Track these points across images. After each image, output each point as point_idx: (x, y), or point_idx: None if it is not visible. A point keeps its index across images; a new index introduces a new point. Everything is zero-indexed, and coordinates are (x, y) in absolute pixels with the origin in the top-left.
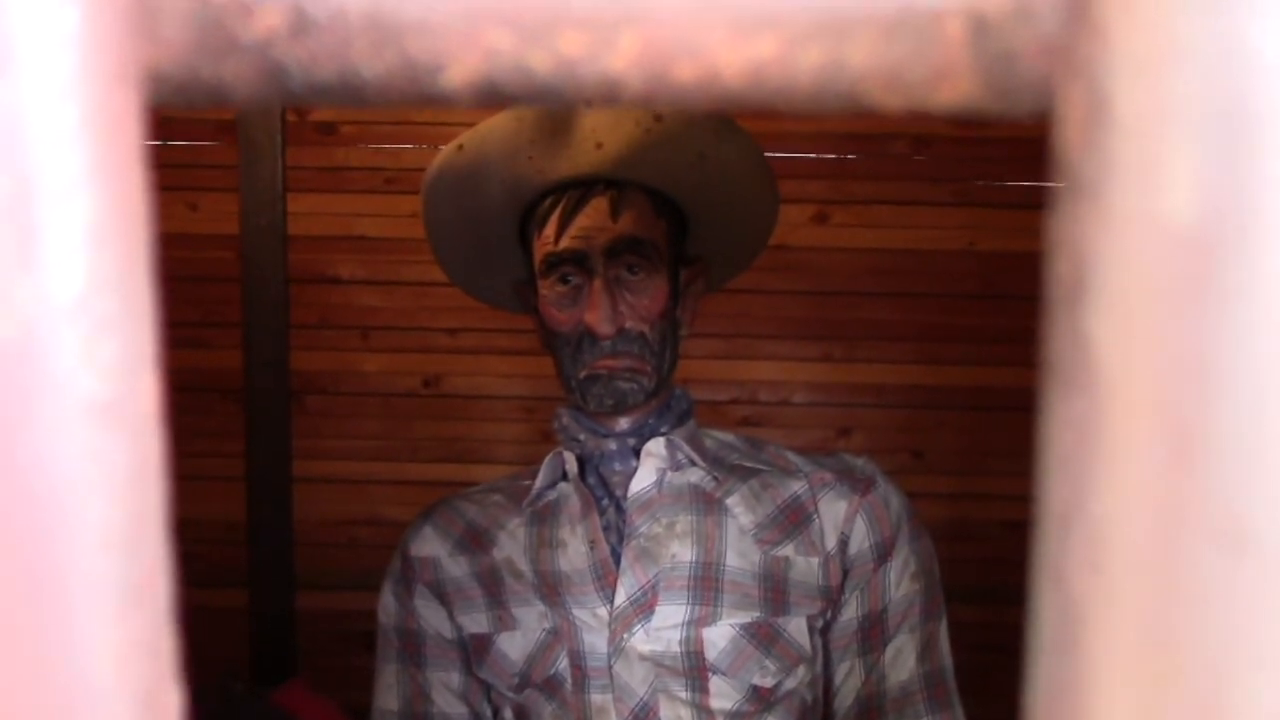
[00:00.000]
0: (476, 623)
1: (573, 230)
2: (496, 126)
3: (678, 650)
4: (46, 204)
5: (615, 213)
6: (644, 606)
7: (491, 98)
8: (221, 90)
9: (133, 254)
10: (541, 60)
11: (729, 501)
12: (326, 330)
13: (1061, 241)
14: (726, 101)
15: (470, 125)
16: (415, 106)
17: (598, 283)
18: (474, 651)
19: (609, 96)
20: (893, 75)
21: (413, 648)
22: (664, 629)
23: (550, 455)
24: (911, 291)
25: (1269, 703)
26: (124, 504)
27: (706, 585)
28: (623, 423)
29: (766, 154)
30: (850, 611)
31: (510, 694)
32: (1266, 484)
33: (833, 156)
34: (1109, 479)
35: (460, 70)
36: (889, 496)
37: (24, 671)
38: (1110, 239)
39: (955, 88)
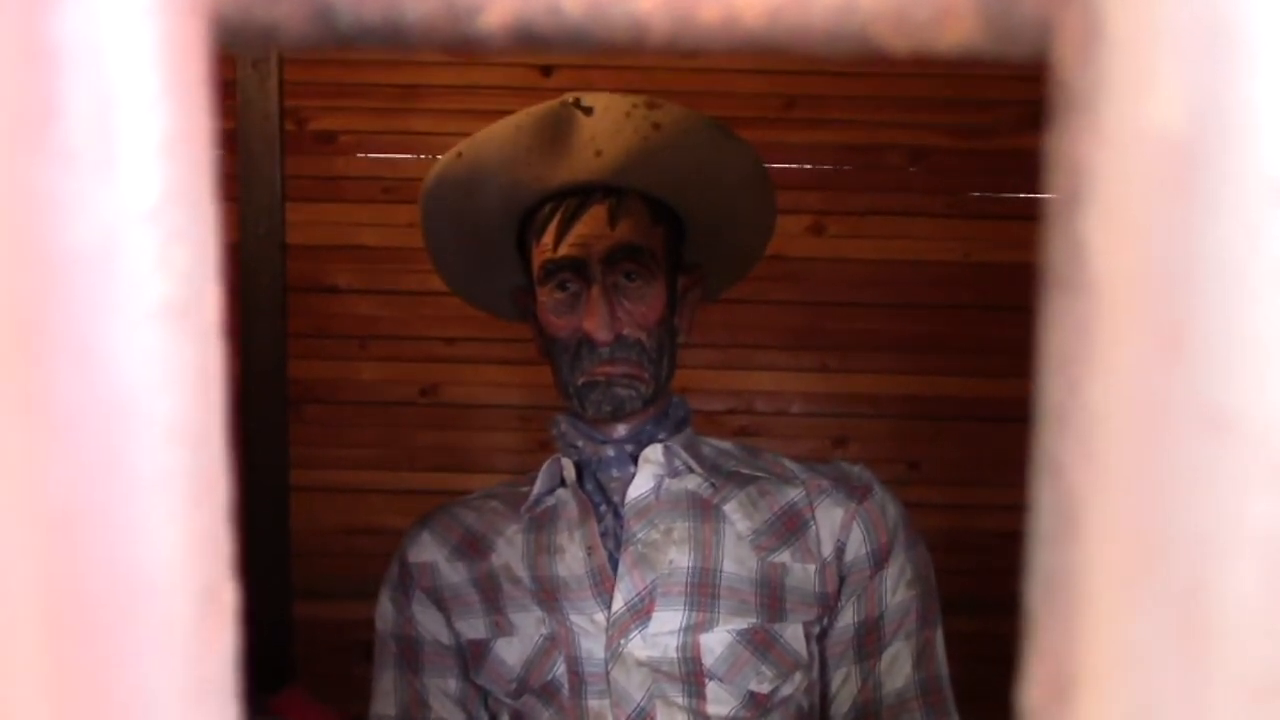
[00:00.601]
0: (474, 629)
1: (571, 237)
2: (495, 134)
3: (675, 656)
4: (125, 119)
5: (613, 220)
6: (641, 612)
7: (526, 39)
8: (274, 31)
9: (200, 169)
10: (574, 2)
11: (726, 508)
12: (324, 339)
13: (1059, 154)
14: (747, 42)
15: (469, 134)
16: (455, 49)
17: (596, 289)
18: (471, 657)
19: (637, 38)
20: (900, 16)
21: (410, 654)
22: (661, 635)
23: (548, 462)
24: (907, 302)
25: (1249, 579)
26: (190, 402)
27: (703, 591)
28: (620, 429)
29: (763, 164)
30: (846, 618)
31: (508, 700)
32: (1247, 372)
33: (829, 167)
34: (1102, 372)
35: (497, 12)
36: (885, 504)
37: (94, 557)
38: (1103, 149)
39: (959, 28)
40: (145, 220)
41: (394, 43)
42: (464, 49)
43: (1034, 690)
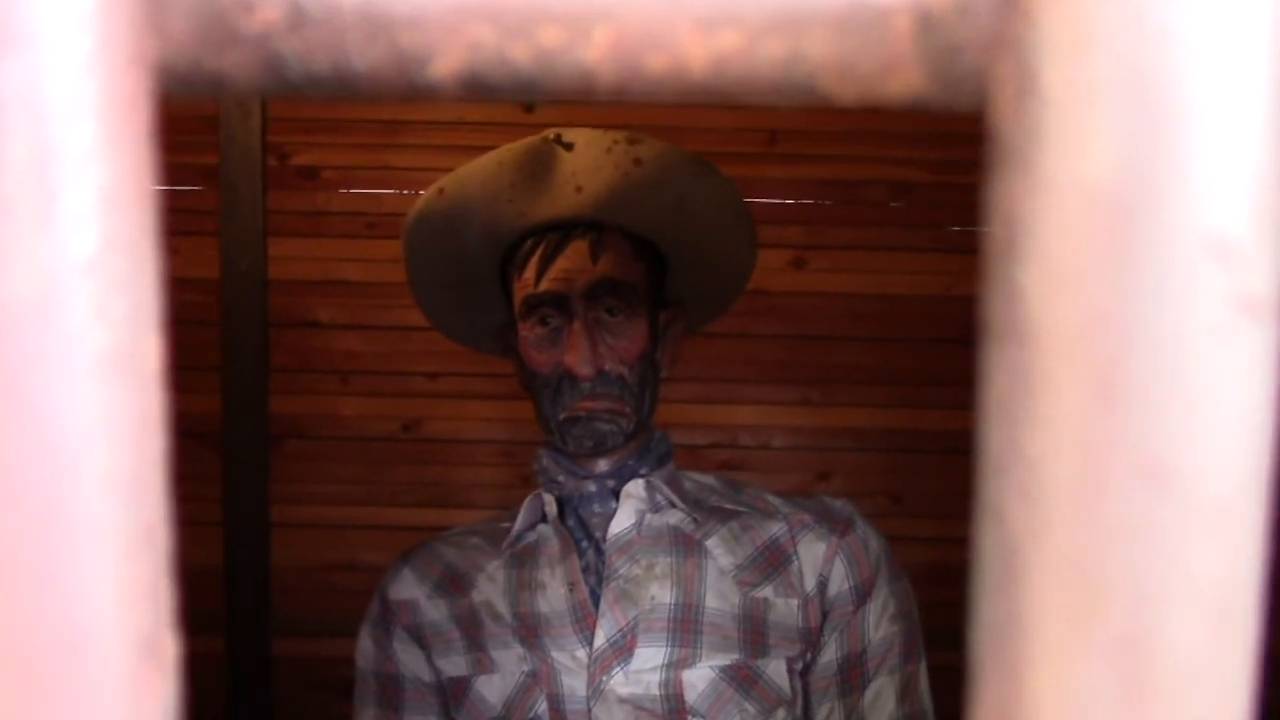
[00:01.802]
0: (455, 666)
1: (553, 273)
2: (477, 170)
3: (657, 693)
4: (64, 170)
5: (595, 255)
6: (623, 649)
7: (475, 88)
8: (222, 80)
9: (142, 220)
10: (521, 53)
11: (708, 543)
12: (306, 374)
13: (996, 206)
14: (694, 92)
15: (451, 170)
16: (403, 99)
17: (577, 325)
18: (452, 695)
19: (585, 87)
20: (846, 67)
21: (391, 692)
22: (643, 671)
23: (529, 497)
24: (889, 336)
25: (1189, 633)
26: (129, 453)
27: (686, 627)
28: (602, 464)
29: (744, 199)
30: (830, 653)
31: None
32: (1182, 422)
33: (810, 202)
34: (1040, 421)
35: (446, 62)
36: (868, 538)
37: (31, 609)
38: (1038, 202)
39: (903, 79)
40: (84, 271)
41: (342, 93)
42: (412, 99)
43: None
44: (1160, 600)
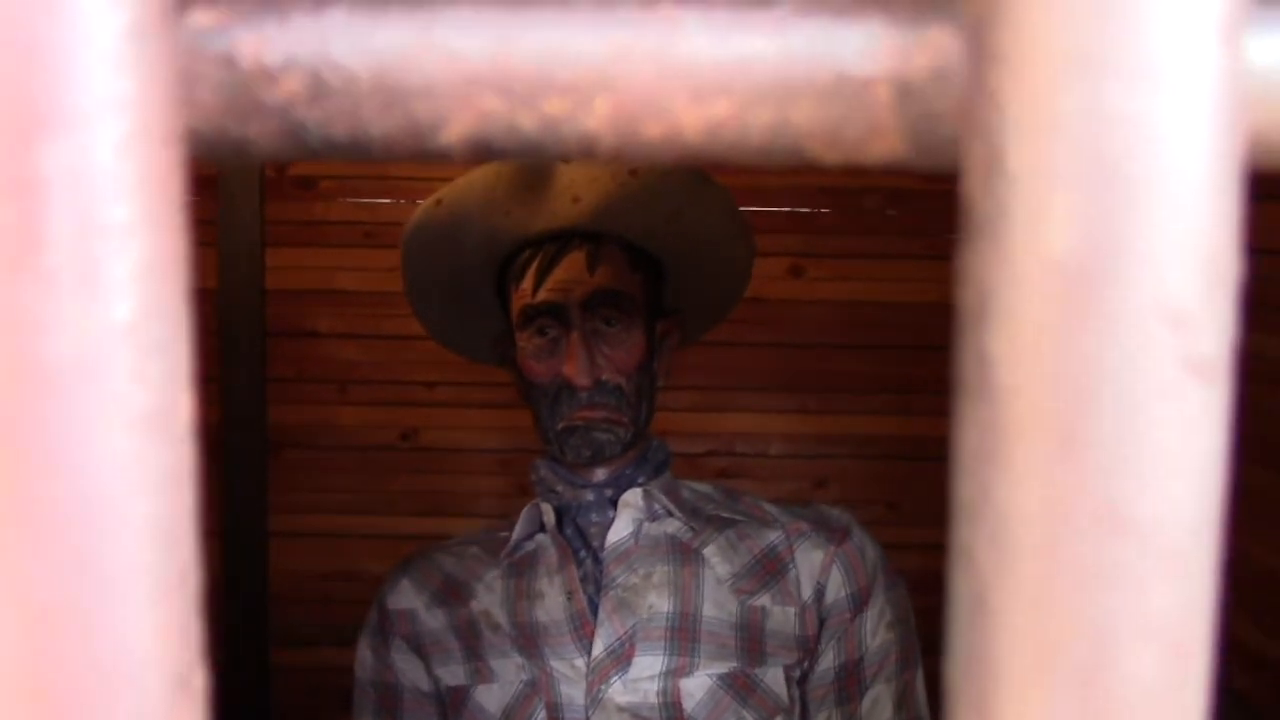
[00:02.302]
0: (453, 675)
1: (550, 283)
2: (475, 181)
3: (655, 701)
4: (107, 243)
5: (592, 266)
6: (621, 657)
7: (484, 152)
8: (247, 147)
9: (176, 288)
10: (528, 120)
11: (706, 552)
12: (304, 384)
13: (966, 274)
14: (688, 155)
15: (449, 180)
16: (417, 161)
17: (575, 335)
18: (451, 704)
19: (587, 151)
20: (831, 133)
21: (390, 702)
22: (641, 680)
23: (527, 507)
24: (886, 344)
25: (1147, 668)
26: (164, 503)
27: (683, 636)
28: (600, 474)
29: (741, 208)
30: (827, 661)
31: None
32: (1137, 474)
33: (807, 211)
34: (1008, 472)
35: (457, 128)
36: (864, 546)
37: (73, 648)
38: (1005, 272)
39: (885, 145)
40: (124, 335)
41: (359, 157)
42: (425, 160)
43: None
44: (1119, 637)
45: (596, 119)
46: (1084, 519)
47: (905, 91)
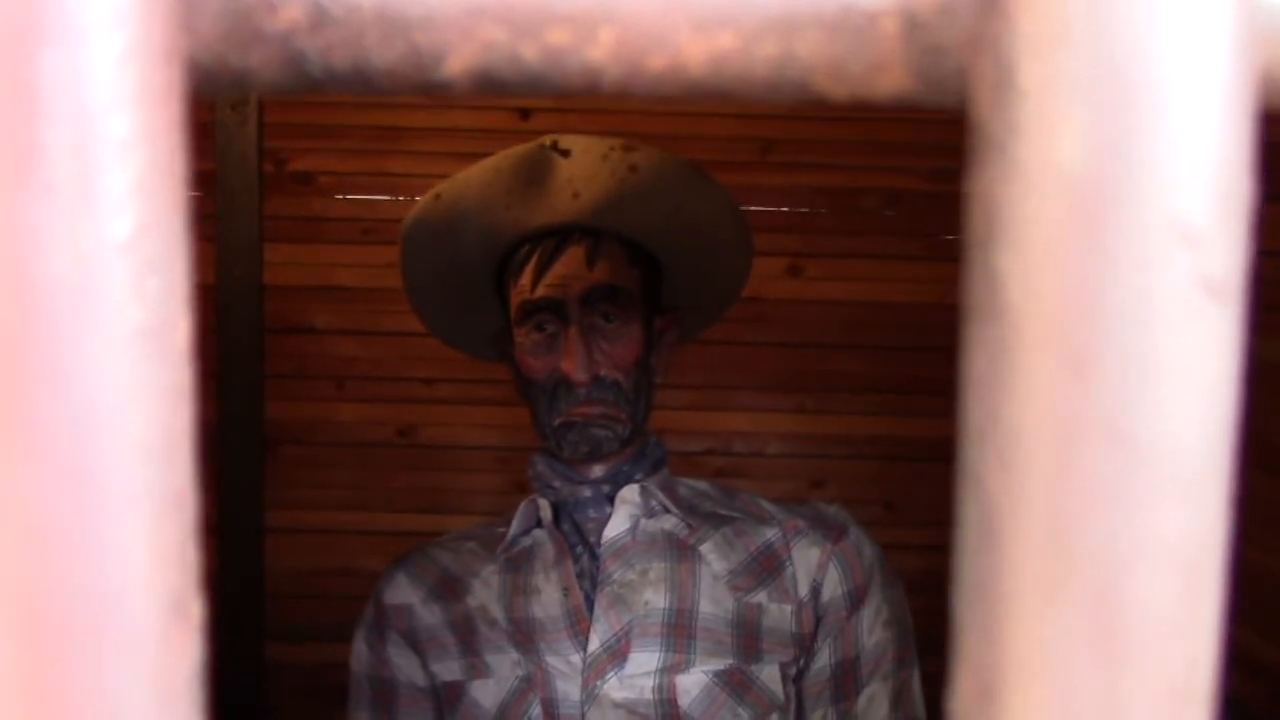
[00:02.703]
0: (449, 670)
1: (549, 278)
2: (473, 176)
3: (651, 698)
4: (104, 157)
5: (591, 261)
6: (617, 653)
7: (486, 85)
8: (247, 77)
9: (174, 205)
10: (531, 51)
11: (702, 548)
12: (302, 380)
13: (976, 193)
14: (693, 89)
15: (447, 176)
16: (419, 94)
17: (573, 330)
18: (446, 700)
19: (590, 83)
20: (837, 67)
21: (385, 697)
22: (637, 676)
23: (525, 502)
24: (884, 344)
25: (1159, 591)
26: (160, 422)
27: (680, 632)
28: (597, 470)
29: (740, 207)
30: (823, 659)
31: None
32: (1148, 395)
33: (806, 210)
34: (1017, 393)
35: (459, 60)
36: (861, 545)
37: (68, 569)
38: (1015, 189)
39: (892, 79)
40: (121, 252)
41: (361, 88)
42: (427, 93)
43: (959, 698)
44: (1130, 560)
45: (600, 50)
46: (1095, 440)
47: (912, 24)
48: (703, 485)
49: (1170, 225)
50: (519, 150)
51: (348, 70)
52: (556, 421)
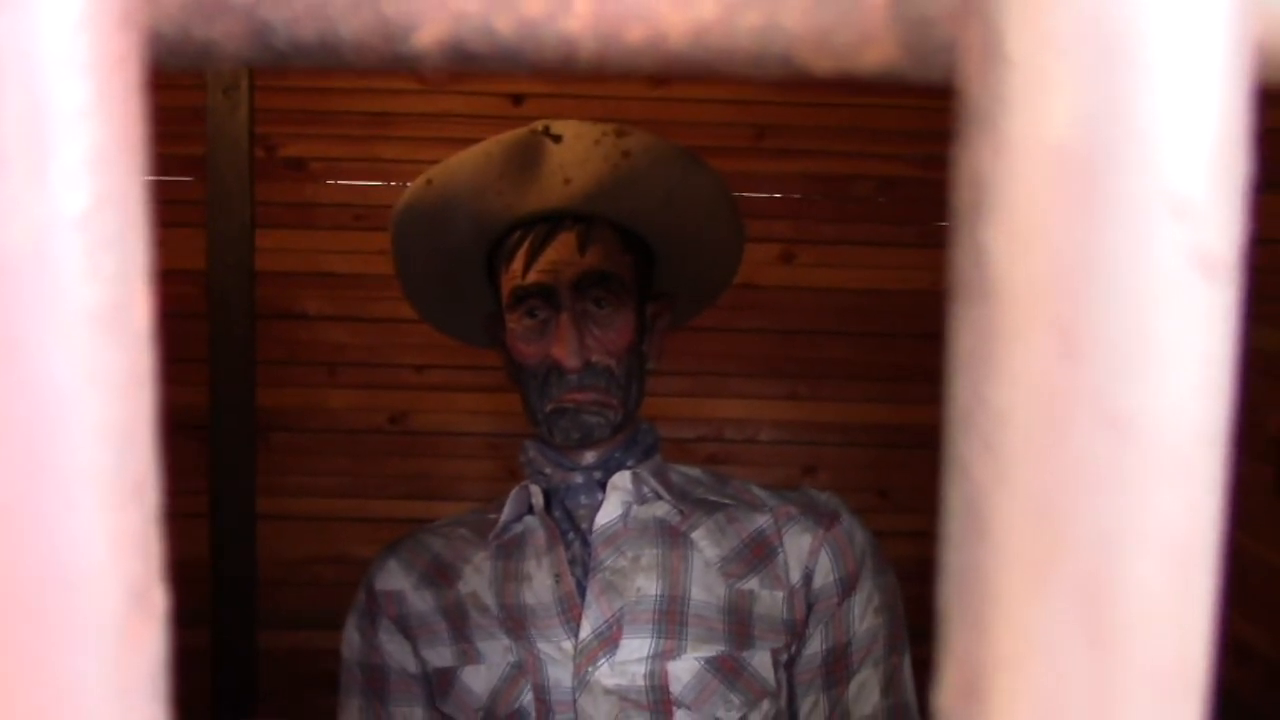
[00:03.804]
0: (441, 657)
1: (540, 264)
2: (465, 161)
3: (642, 684)
4: (58, 127)
5: (583, 247)
6: (609, 640)
7: (458, 58)
8: (211, 49)
9: (132, 178)
10: (505, 22)
11: (694, 535)
12: (293, 366)
13: (962, 166)
14: (673, 62)
15: (439, 162)
16: (388, 67)
17: (565, 316)
18: (438, 686)
19: (566, 56)
20: (822, 39)
21: (376, 683)
22: (629, 662)
23: (516, 489)
24: (876, 331)
25: (1150, 578)
26: (118, 405)
27: (671, 619)
28: (589, 456)
29: (732, 193)
30: (814, 645)
31: None
32: (1142, 374)
33: (798, 197)
34: (1004, 373)
35: (430, 31)
36: (853, 531)
37: (22, 555)
38: (1003, 161)
39: (878, 51)
40: (75, 226)
41: (328, 61)
42: (396, 67)
43: (945, 690)
44: (1121, 545)
45: (577, 21)
46: (1084, 422)
47: None
48: (695, 472)
49: (1163, 198)
50: (511, 135)
51: (313, 42)
52: (548, 408)
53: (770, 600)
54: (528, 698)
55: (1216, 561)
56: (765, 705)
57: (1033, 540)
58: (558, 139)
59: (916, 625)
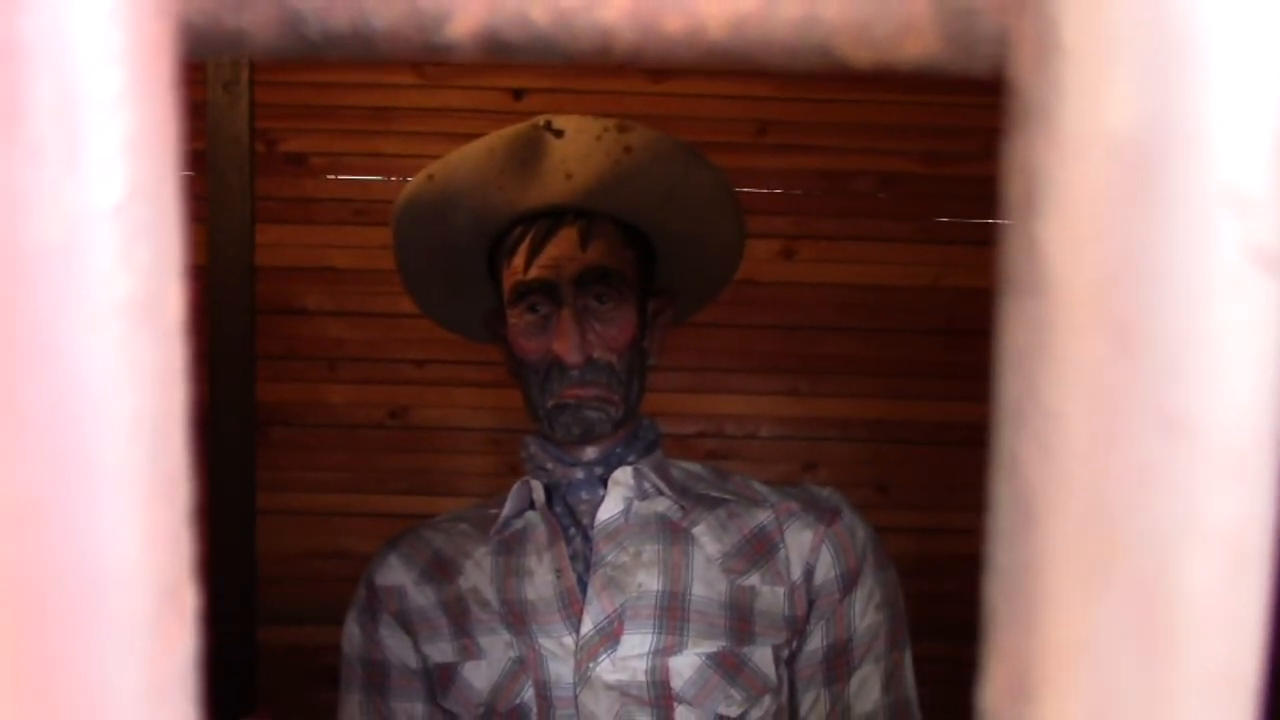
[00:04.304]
0: (441, 652)
1: (542, 260)
2: (467, 156)
3: (643, 680)
4: (91, 116)
5: (584, 243)
6: (610, 635)
7: (494, 48)
8: (242, 39)
9: (166, 169)
10: (541, 12)
11: (695, 531)
12: (293, 361)
13: (1016, 161)
14: (712, 53)
15: (440, 157)
16: (422, 58)
17: (566, 312)
18: (439, 681)
19: (603, 47)
20: (862, 30)
21: (377, 678)
22: (630, 658)
23: (517, 484)
24: (877, 327)
25: (1204, 578)
26: (151, 398)
27: (673, 615)
28: (590, 452)
29: (734, 189)
30: (815, 641)
31: None
32: (1200, 373)
33: (799, 192)
34: (1058, 372)
35: (465, 21)
36: (854, 527)
37: (54, 551)
38: (1058, 155)
39: (919, 42)
40: (109, 218)
41: (362, 52)
42: (431, 58)
43: (994, 691)
44: (1175, 546)
45: (614, 11)
46: (1139, 420)
47: None
48: (696, 467)
49: (1221, 193)
50: (512, 130)
51: (346, 32)
52: (549, 403)
53: (771, 596)
54: (529, 693)
55: (1269, 563)
56: (766, 701)
57: (1087, 540)
58: (559, 134)
59: (916, 621)
